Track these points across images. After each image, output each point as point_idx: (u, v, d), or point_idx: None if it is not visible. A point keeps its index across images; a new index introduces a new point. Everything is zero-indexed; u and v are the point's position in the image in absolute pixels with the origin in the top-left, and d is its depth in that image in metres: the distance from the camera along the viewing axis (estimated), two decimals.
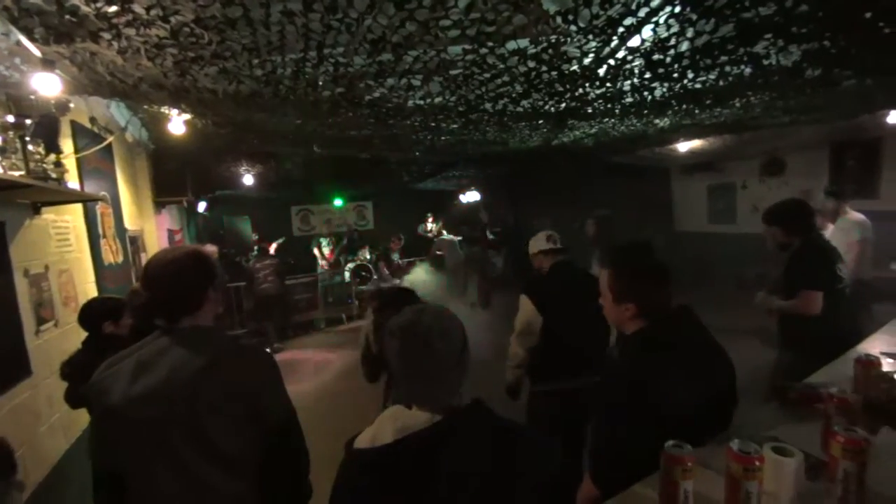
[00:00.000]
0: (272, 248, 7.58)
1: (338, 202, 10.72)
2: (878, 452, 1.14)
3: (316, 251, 8.87)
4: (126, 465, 1.13)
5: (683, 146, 6.08)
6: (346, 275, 8.53)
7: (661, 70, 2.38)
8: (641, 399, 1.22)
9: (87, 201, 2.91)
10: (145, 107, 3.24)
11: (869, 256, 3.79)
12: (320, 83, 2.28)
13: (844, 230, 3.81)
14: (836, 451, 1.07)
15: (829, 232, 3.94)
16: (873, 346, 2.13)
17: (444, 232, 9.12)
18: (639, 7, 1.62)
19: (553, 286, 2.52)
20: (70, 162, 2.66)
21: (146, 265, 1.24)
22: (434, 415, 0.92)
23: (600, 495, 1.24)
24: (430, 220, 10.44)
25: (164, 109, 3.10)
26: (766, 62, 2.31)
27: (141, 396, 1.10)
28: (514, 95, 2.75)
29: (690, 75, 2.49)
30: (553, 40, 1.90)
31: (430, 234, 10.44)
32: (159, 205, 4.82)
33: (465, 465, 0.88)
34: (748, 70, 2.44)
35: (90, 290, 2.90)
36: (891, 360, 1.88)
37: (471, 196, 10.29)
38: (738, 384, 1.42)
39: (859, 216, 3.85)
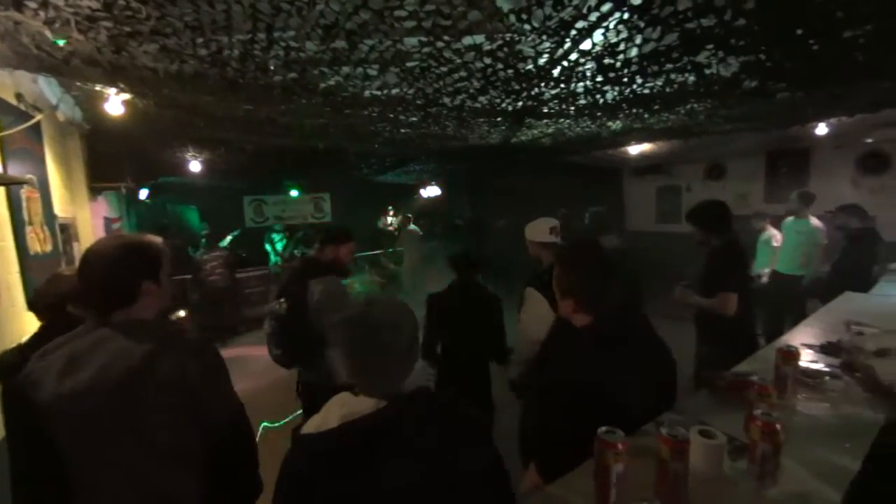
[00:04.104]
0: (224, 242, 7.21)
1: (293, 193, 10.27)
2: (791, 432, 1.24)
3: (268, 246, 8.46)
4: (63, 460, 1.06)
5: (634, 149, 6.34)
6: None
7: (611, 74, 2.47)
8: (586, 393, 1.26)
9: (11, 185, 2.67)
10: (79, 84, 3.00)
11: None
12: (271, 68, 2.20)
13: (807, 233, 4.30)
14: (755, 435, 1.16)
15: (774, 230, 4.49)
16: (795, 337, 2.32)
17: (412, 224, 8.52)
18: (590, 11, 1.67)
19: None
20: None
21: (83, 254, 1.16)
22: (379, 401, 0.93)
23: (543, 483, 1.28)
24: (391, 213, 10.09)
25: (100, 88, 2.89)
26: (707, 71, 2.45)
27: (71, 393, 1.04)
28: (471, 91, 2.76)
29: (639, 80, 2.61)
30: (508, 38, 1.93)
31: (390, 228, 10.15)
32: (95, 191, 4.50)
33: (409, 450, 0.90)
34: (691, 78, 2.58)
35: (14, 281, 2.67)
36: (809, 351, 2.05)
37: (431, 190, 10.17)
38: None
39: (818, 222, 4.34)
